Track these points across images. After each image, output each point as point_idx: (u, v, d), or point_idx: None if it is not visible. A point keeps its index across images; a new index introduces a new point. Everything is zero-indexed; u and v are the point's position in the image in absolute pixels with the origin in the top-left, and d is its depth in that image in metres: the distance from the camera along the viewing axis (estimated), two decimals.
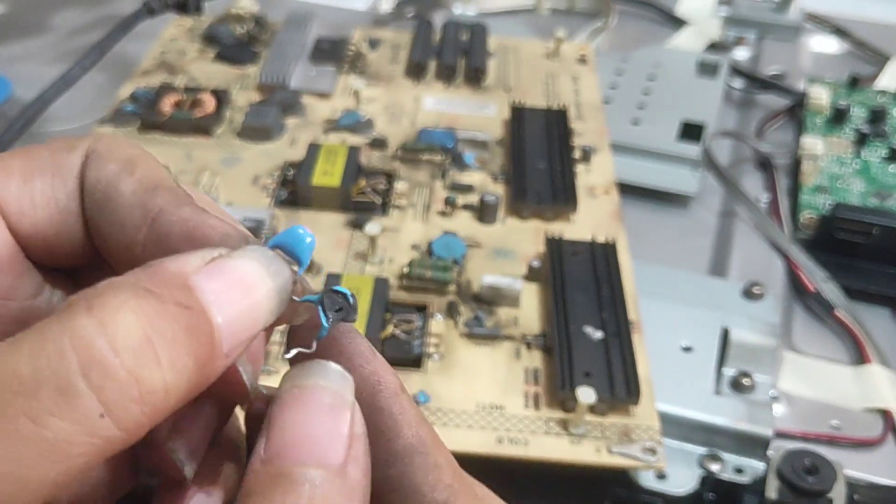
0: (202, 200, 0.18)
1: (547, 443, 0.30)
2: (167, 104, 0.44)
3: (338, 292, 0.16)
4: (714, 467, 0.32)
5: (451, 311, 0.35)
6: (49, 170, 0.17)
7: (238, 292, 0.15)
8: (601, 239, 0.37)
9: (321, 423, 0.15)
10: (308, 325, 0.16)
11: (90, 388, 0.13)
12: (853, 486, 0.32)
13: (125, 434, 0.13)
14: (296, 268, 0.16)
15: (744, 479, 0.32)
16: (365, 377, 0.16)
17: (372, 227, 0.36)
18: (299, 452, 0.15)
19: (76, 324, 0.13)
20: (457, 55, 0.50)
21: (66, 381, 0.13)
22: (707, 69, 0.54)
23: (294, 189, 0.40)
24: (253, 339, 0.15)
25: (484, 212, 0.39)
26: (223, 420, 0.17)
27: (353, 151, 0.41)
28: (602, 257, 0.36)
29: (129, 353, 0.13)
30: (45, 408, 0.12)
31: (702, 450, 0.33)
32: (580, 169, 0.43)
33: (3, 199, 0.17)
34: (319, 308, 0.16)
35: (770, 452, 0.32)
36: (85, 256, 0.18)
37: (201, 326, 0.14)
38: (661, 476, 0.32)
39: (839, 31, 0.62)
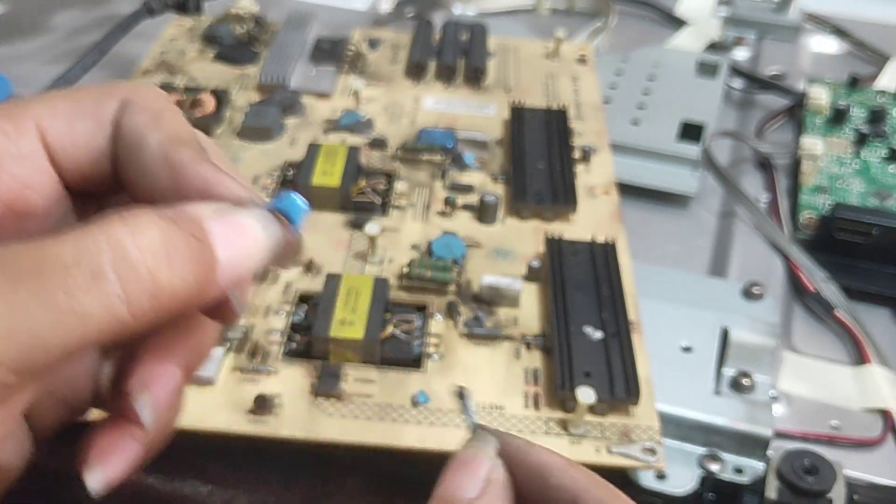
0: (217, 155, 0.20)
1: (547, 443, 0.30)
2: None
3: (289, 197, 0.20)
4: (714, 467, 0.32)
5: (450, 312, 0.35)
6: (91, 114, 0.20)
7: (238, 240, 0.18)
8: (601, 239, 0.37)
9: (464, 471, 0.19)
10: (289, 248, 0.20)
11: (116, 277, 0.16)
12: (853, 486, 0.32)
13: (133, 320, 0.16)
14: (287, 224, 0.20)
15: (743, 479, 0.32)
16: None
17: (372, 227, 0.36)
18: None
19: (112, 228, 0.16)
20: (456, 55, 0.50)
21: (99, 267, 0.16)
22: (707, 69, 0.54)
23: (294, 189, 0.40)
24: (245, 278, 0.19)
25: (484, 212, 0.39)
26: (190, 370, 0.20)
27: (353, 151, 0.41)
28: (602, 257, 0.36)
29: (150, 255, 0.16)
30: (78, 285, 0.15)
31: (701, 450, 0.33)
32: (580, 169, 0.43)
33: (51, 136, 0.20)
34: (282, 214, 0.20)
35: (770, 452, 0.32)
36: (111, 188, 0.21)
37: (206, 256, 0.17)
38: (660, 476, 0.32)
39: (839, 31, 0.62)
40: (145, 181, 0.20)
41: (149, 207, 0.17)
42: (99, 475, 0.19)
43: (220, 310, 0.19)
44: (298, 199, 0.20)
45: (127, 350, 0.20)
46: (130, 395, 0.19)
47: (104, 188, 0.21)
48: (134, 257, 0.16)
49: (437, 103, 0.47)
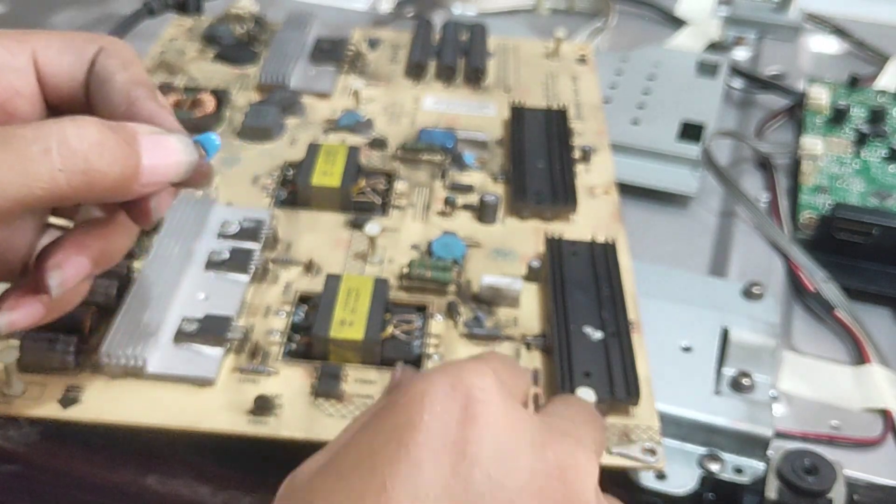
0: (163, 101, 0.27)
1: None
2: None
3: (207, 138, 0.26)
4: (714, 467, 0.32)
5: (450, 312, 0.35)
6: (76, 51, 0.27)
7: (161, 152, 0.24)
8: (601, 239, 0.37)
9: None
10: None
11: (59, 155, 0.22)
12: (853, 486, 0.32)
13: (68, 189, 0.22)
14: (203, 154, 0.26)
15: (744, 479, 0.32)
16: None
17: (372, 227, 0.36)
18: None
19: (63, 122, 0.22)
20: (456, 55, 0.50)
21: (48, 145, 0.22)
22: (707, 69, 0.54)
23: (294, 189, 0.40)
24: (162, 186, 0.25)
25: (484, 212, 0.39)
26: (98, 266, 0.26)
27: (353, 151, 0.41)
28: (602, 257, 0.36)
29: (87, 144, 0.22)
30: (31, 155, 0.21)
31: (701, 450, 0.33)
32: (580, 169, 0.43)
33: (42, 60, 0.27)
34: (201, 146, 0.26)
35: (770, 452, 0.32)
36: (80, 110, 0.26)
37: (132, 156, 0.23)
38: (660, 476, 0.32)
39: (839, 31, 0.62)
40: (108, 108, 0.26)
41: (95, 118, 0.23)
42: (4, 317, 0.25)
43: (140, 211, 0.25)
44: (215, 137, 0.27)
45: (54, 241, 0.25)
46: (46, 268, 0.24)
47: (75, 109, 0.27)
48: (74, 144, 0.22)
49: (437, 103, 0.47)
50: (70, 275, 0.25)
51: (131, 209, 0.25)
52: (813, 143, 0.47)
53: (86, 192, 0.22)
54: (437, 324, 0.34)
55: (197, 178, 0.26)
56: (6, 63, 0.26)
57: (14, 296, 0.25)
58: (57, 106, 0.27)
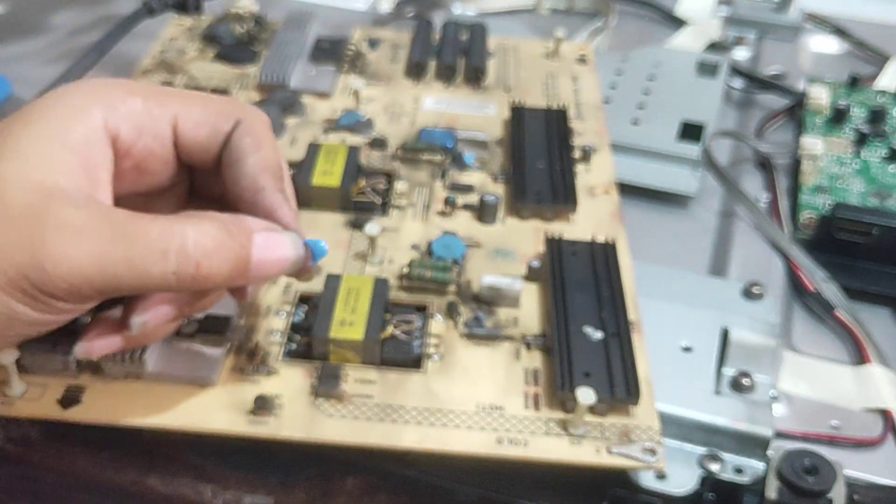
0: (289, 187, 0.29)
1: (547, 443, 0.30)
2: None
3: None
4: (714, 467, 0.32)
5: (450, 312, 0.35)
6: (212, 124, 0.29)
7: (271, 252, 0.26)
8: (601, 239, 0.37)
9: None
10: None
11: (175, 260, 0.24)
12: (853, 486, 0.32)
13: (177, 286, 0.25)
14: (310, 258, 0.29)
15: (744, 479, 0.32)
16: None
17: (372, 227, 0.36)
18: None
19: (185, 225, 0.25)
20: (456, 55, 0.50)
21: (167, 250, 0.24)
22: (707, 69, 0.54)
23: (294, 189, 0.40)
24: (265, 280, 0.28)
25: (484, 212, 0.39)
26: (182, 314, 0.28)
27: (353, 151, 0.41)
28: (602, 257, 0.36)
29: (201, 251, 0.25)
30: (150, 255, 0.24)
31: (702, 450, 0.33)
32: (580, 169, 0.43)
33: (180, 128, 0.28)
34: (309, 249, 0.29)
35: (770, 452, 0.32)
36: (210, 175, 0.29)
37: (243, 259, 0.26)
38: (660, 476, 0.32)
39: (839, 31, 0.62)
40: (236, 189, 0.28)
41: (217, 214, 0.26)
42: (83, 346, 0.27)
43: (239, 292, 0.29)
44: (324, 244, 0.29)
45: None
46: (132, 311, 0.26)
47: (205, 174, 0.30)
48: (190, 250, 0.24)
49: (437, 103, 0.47)
50: (152, 321, 0.27)
51: (230, 290, 0.29)
52: (813, 143, 0.47)
53: (192, 287, 0.25)
54: (437, 324, 0.34)
55: (299, 273, 0.28)
56: (147, 127, 0.28)
57: (99, 328, 0.27)
58: (188, 165, 0.29)
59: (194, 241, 0.24)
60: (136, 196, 0.29)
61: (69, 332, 0.31)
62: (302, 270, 0.28)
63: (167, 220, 0.25)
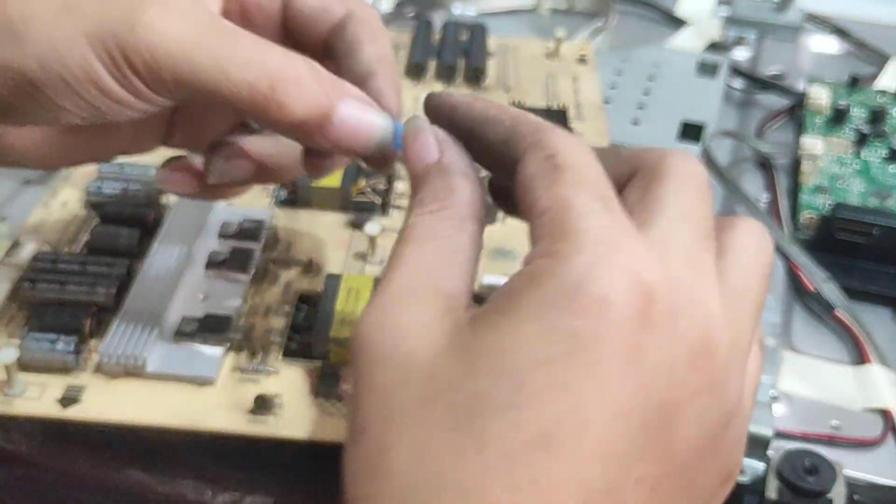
0: (397, 86, 0.28)
1: None
2: None
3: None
4: None
5: None
6: (325, 4, 0.29)
7: (357, 118, 0.25)
8: None
9: None
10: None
11: (256, 68, 0.24)
12: (853, 486, 0.32)
13: (249, 97, 0.24)
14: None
15: (744, 479, 0.32)
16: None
17: (372, 227, 0.36)
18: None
19: (275, 48, 0.24)
20: (456, 55, 0.50)
21: (249, 57, 0.24)
22: (707, 69, 0.54)
23: (294, 189, 0.40)
24: (345, 148, 0.25)
25: None
26: (261, 177, 0.30)
27: None
28: None
29: (281, 75, 0.24)
30: (236, 58, 0.23)
31: None
32: None
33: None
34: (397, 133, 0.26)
35: (770, 452, 0.32)
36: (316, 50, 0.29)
37: (325, 106, 0.24)
38: None
39: (839, 31, 0.62)
40: (347, 74, 0.27)
41: (315, 63, 0.25)
42: (162, 173, 0.29)
43: (313, 160, 0.28)
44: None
45: (235, 139, 0.29)
46: (213, 156, 0.28)
47: (312, 48, 0.29)
48: (271, 69, 0.24)
49: None
50: (229, 171, 0.28)
51: (308, 155, 0.28)
52: (813, 143, 0.47)
53: (265, 112, 0.24)
54: None
55: (379, 160, 0.27)
56: None
57: (180, 164, 0.29)
58: (289, 39, 0.29)
59: (280, 64, 0.24)
60: None
61: (69, 332, 0.31)
62: (382, 156, 0.26)
63: (262, 39, 0.24)
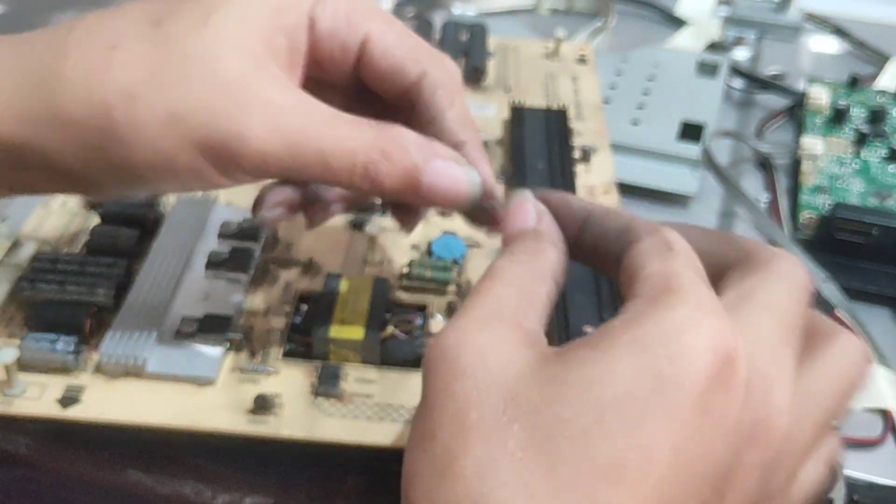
0: (481, 148, 0.29)
1: None
2: None
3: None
4: None
5: (450, 312, 0.35)
6: (400, 58, 0.28)
7: (446, 180, 0.26)
8: None
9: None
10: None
11: (363, 158, 0.25)
12: (853, 486, 0.32)
13: (349, 183, 0.25)
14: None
15: None
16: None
17: (372, 227, 0.36)
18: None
19: (370, 127, 0.25)
20: (456, 55, 0.50)
21: (356, 148, 0.25)
22: (707, 69, 0.54)
23: None
24: (444, 205, 0.27)
25: None
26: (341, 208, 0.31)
27: None
28: None
29: (374, 152, 0.25)
30: (339, 149, 0.25)
31: None
32: (580, 169, 0.43)
33: (376, 39, 0.28)
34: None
35: None
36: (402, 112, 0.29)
37: (412, 179, 0.25)
38: None
39: (839, 31, 0.62)
40: (430, 134, 0.27)
41: (405, 130, 0.26)
42: (263, 217, 0.29)
43: (409, 215, 0.31)
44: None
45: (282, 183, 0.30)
46: (312, 217, 0.30)
47: (396, 108, 0.29)
48: (374, 155, 0.25)
49: None
50: (326, 218, 0.30)
51: (396, 208, 0.31)
52: (813, 143, 0.47)
53: (362, 190, 0.26)
54: (437, 324, 0.34)
55: (483, 218, 0.28)
56: (340, 31, 0.27)
57: (275, 200, 0.29)
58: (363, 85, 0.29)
59: (372, 144, 0.25)
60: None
61: (69, 332, 0.31)
62: (487, 217, 0.28)
63: (356, 119, 0.25)
